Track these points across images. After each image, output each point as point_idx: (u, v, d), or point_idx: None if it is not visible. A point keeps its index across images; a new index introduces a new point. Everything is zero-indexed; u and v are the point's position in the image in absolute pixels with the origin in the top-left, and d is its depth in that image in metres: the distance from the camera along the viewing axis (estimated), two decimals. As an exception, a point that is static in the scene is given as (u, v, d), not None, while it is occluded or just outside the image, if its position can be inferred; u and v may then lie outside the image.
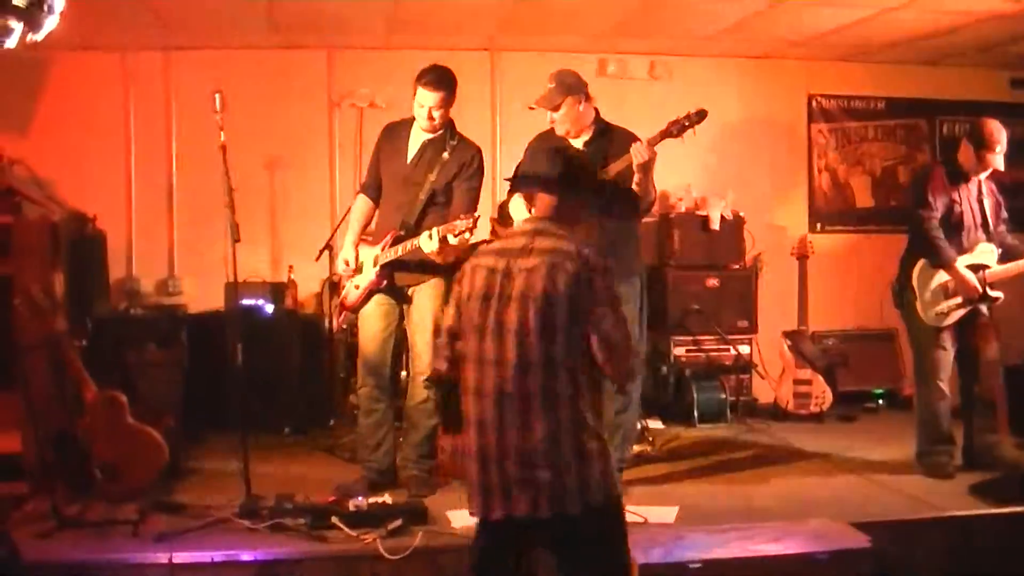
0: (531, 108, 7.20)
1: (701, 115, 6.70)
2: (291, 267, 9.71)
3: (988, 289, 7.50)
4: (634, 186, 6.84)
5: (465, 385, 4.58)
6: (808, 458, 8.42)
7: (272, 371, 8.96)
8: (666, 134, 6.75)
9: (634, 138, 6.99)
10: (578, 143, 7.10)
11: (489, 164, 7.78)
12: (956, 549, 6.42)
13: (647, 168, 6.77)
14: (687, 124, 6.70)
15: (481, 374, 4.48)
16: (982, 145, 7.48)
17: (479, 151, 7.23)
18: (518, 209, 4.97)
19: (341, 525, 6.02)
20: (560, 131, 7.12)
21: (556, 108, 7.04)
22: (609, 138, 7.12)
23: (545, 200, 4.67)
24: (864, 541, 5.71)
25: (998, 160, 7.50)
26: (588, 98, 7.13)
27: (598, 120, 7.21)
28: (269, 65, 9.99)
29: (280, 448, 8.46)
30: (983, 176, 7.64)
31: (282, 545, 5.92)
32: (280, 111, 9.95)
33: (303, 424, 9.02)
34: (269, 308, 9.34)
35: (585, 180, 4.85)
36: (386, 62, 9.77)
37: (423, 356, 7.10)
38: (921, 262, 7.61)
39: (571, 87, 7.05)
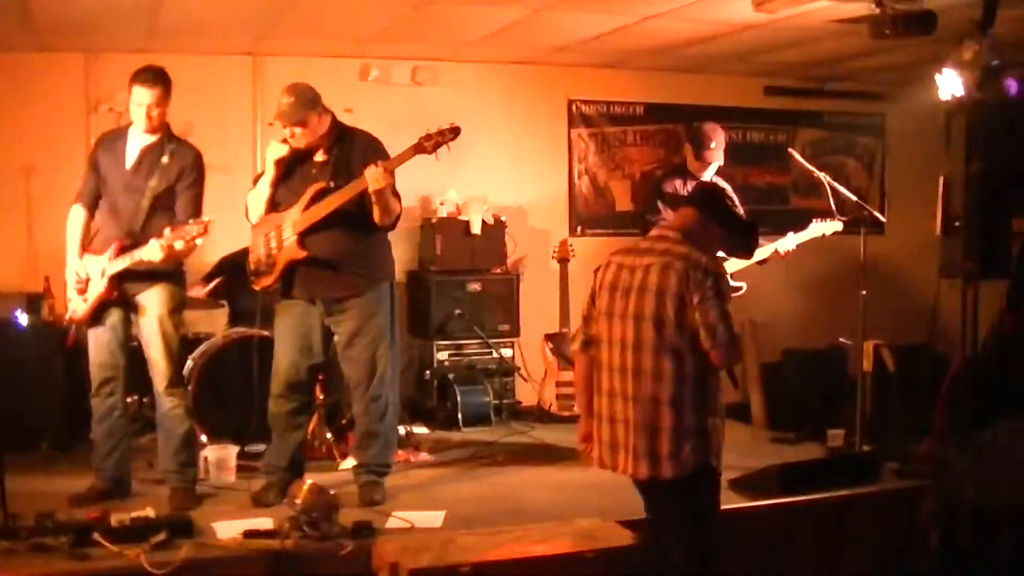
0: (270, 124, 7.10)
1: (455, 132, 6.66)
2: (48, 277, 9.40)
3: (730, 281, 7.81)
4: (374, 208, 6.78)
5: (598, 361, 5.44)
6: (573, 458, 8.47)
7: (28, 385, 8.64)
8: (419, 149, 6.69)
9: (377, 146, 7.01)
10: (319, 156, 7.02)
11: (250, 170, 7.71)
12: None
13: (383, 192, 6.69)
14: (441, 140, 6.66)
15: (610, 353, 5.32)
16: (700, 145, 8.08)
17: (200, 154, 7.15)
18: None
19: (104, 541, 5.83)
20: (301, 144, 6.95)
21: (301, 123, 6.86)
22: (350, 145, 7.05)
23: (685, 214, 5.47)
24: (630, 538, 5.80)
25: (717, 155, 8.08)
26: (325, 109, 7.01)
27: (335, 125, 7.09)
28: (23, 67, 9.63)
29: (38, 465, 8.13)
30: (709, 174, 8.09)
31: (43, 566, 5.69)
32: (35, 115, 9.62)
33: (63, 439, 8.71)
34: (24, 320, 9.04)
35: (726, 216, 5.49)
36: (146, 66, 9.59)
37: (159, 364, 7.08)
38: None
39: (311, 100, 6.89)
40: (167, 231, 6.65)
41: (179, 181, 7.00)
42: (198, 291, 8.76)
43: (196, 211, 6.93)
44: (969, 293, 7.75)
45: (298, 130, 6.87)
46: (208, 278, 8.99)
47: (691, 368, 5.10)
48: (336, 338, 7.19)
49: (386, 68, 10.48)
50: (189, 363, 8.22)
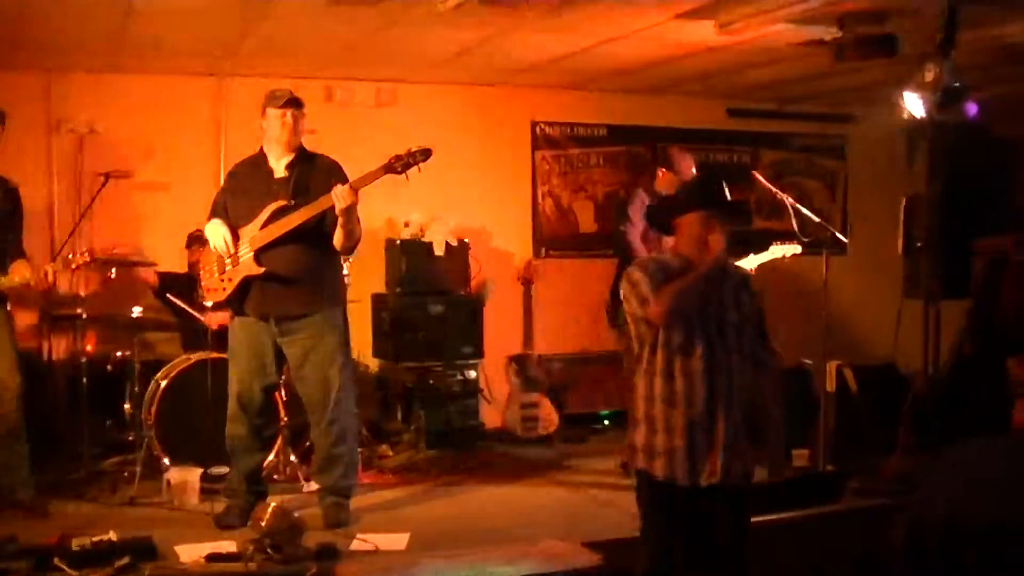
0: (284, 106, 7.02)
1: (426, 154, 6.67)
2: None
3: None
4: (338, 229, 6.80)
5: None
6: (537, 481, 8.52)
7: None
8: (389, 169, 6.69)
9: (338, 169, 7.00)
10: (280, 165, 7.02)
11: (211, 190, 7.68)
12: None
13: (350, 211, 6.71)
14: (411, 162, 6.65)
15: None
16: (671, 169, 8.32)
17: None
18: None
19: (64, 567, 5.77)
20: (295, 142, 6.99)
21: (302, 106, 6.99)
22: (311, 166, 7.05)
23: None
24: (595, 559, 5.80)
25: (689, 176, 8.23)
26: None
27: (301, 146, 7.11)
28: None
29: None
30: None
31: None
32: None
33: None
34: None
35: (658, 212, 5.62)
36: (108, 87, 9.52)
37: (15, 377, 7.20)
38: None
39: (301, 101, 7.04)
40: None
41: (11, 218, 7.32)
42: (136, 312, 8.71)
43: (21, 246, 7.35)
44: (931, 313, 7.82)
45: (300, 111, 6.98)
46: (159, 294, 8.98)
47: None
48: (288, 358, 7.17)
49: (349, 89, 10.46)
50: (151, 386, 8.16)
